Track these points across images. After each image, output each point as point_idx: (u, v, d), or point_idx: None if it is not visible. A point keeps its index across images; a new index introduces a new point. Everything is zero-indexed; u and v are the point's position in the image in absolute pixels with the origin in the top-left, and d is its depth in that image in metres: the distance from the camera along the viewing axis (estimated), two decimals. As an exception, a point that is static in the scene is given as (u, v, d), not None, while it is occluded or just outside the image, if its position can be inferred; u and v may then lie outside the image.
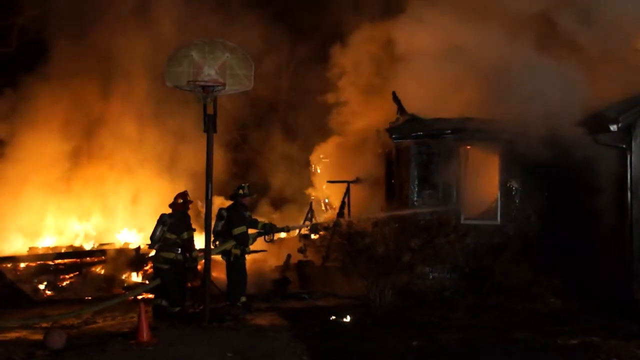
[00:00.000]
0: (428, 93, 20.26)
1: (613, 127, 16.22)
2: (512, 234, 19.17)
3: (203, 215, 16.36)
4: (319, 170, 28.40)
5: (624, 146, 16.56)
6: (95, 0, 26.86)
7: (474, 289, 18.04)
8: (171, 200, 16.87)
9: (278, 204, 30.13)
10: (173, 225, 16.19)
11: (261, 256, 21.34)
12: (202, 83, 15.31)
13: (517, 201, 19.39)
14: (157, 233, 16.32)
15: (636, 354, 11.71)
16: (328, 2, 28.80)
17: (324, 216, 26.91)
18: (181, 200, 16.53)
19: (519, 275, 17.54)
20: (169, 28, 25.76)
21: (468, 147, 19.59)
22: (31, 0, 27.51)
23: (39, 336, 13.26)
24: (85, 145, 25.99)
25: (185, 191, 16.56)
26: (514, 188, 19.38)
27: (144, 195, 26.15)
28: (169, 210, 16.60)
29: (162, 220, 16.48)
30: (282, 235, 23.18)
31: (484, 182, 19.60)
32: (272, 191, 30.28)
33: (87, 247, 23.55)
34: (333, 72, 26.67)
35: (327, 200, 27.62)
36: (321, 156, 27.86)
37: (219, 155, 22.92)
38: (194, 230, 16.46)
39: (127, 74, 25.72)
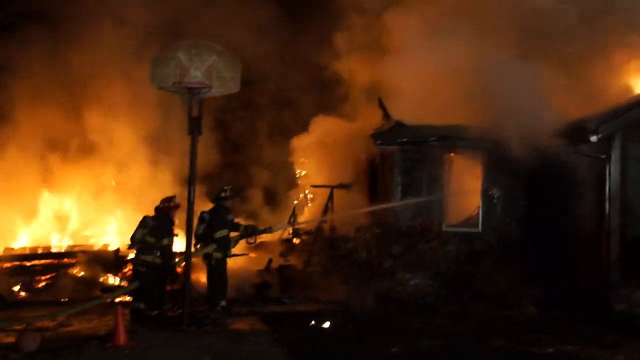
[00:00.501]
0: (414, 100, 20.36)
1: (593, 138, 16.33)
2: (493, 241, 19.21)
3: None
4: (303, 173, 28.46)
5: (604, 157, 16.70)
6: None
7: (455, 296, 18.09)
8: (157, 202, 16.89)
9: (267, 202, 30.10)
10: (154, 229, 16.12)
11: (242, 260, 21.30)
12: (188, 85, 15.28)
13: (499, 209, 19.40)
14: (137, 235, 16.25)
15: (609, 364, 11.78)
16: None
17: (306, 214, 26.92)
18: (166, 205, 16.50)
19: (499, 283, 17.53)
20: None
21: (452, 154, 19.63)
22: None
23: (11, 339, 13.24)
24: (63, 145, 25.88)
25: (173, 196, 16.46)
26: (495, 196, 19.39)
27: (125, 197, 26.15)
28: (153, 213, 16.61)
29: (145, 222, 16.42)
30: (264, 237, 23.15)
31: (466, 189, 19.64)
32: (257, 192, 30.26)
33: (65, 248, 23.48)
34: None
35: (310, 196, 27.65)
36: (303, 159, 27.87)
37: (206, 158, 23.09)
38: (176, 236, 16.40)
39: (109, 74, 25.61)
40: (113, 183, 26.40)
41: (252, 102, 32.50)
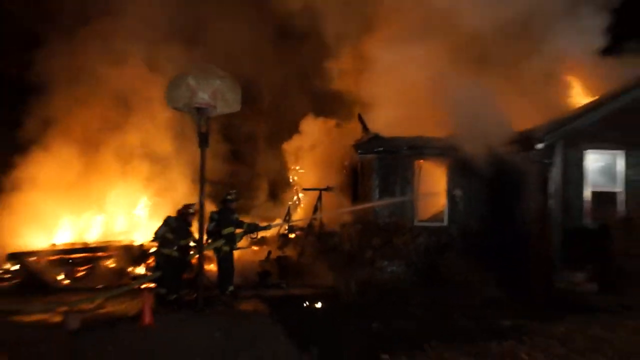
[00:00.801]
0: (388, 115, 20.64)
1: (539, 146, 16.61)
2: (456, 234, 19.31)
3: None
4: (295, 178, 28.65)
5: (548, 161, 16.90)
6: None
7: (425, 280, 18.08)
8: (180, 205, 17.20)
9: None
10: (175, 229, 16.44)
11: (246, 252, 21.50)
12: (197, 105, 15.47)
13: (461, 207, 19.44)
14: (160, 231, 16.57)
15: (553, 332, 11.86)
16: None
17: (299, 213, 27.07)
18: (186, 211, 16.79)
19: (461, 268, 17.55)
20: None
21: (421, 161, 19.68)
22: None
23: (58, 319, 13.48)
24: (100, 156, 25.85)
25: (192, 204, 16.55)
26: (458, 196, 19.40)
27: (149, 200, 26.29)
28: (175, 215, 16.93)
29: (168, 222, 16.72)
30: (264, 233, 23.30)
31: (433, 190, 19.65)
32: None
33: (99, 243, 23.52)
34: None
35: (300, 195, 27.82)
36: (297, 168, 28.09)
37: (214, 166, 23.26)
38: (191, 237, 16.71)
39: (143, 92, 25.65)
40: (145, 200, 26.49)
41: (252, 119, 32.52)
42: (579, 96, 19.94)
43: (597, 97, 18.46)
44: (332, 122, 26.76)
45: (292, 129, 29.59)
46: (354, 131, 21.95)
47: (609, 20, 20.06)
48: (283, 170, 29.95)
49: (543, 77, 19.55)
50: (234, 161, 31.27)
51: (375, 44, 21.68)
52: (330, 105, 27.08)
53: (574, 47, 19.79)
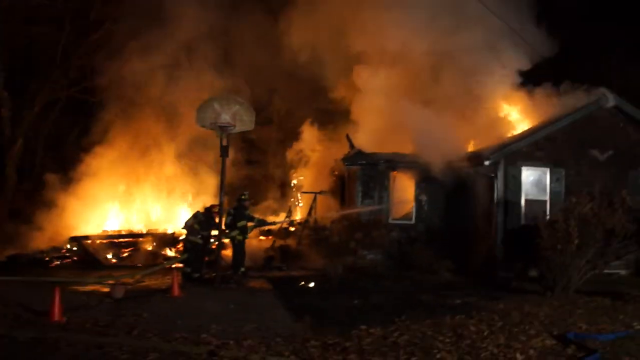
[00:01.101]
0: (369, 135, 20.77)
1: (487, 163, 16.72)
2: (422, 230, 19.42)
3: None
4: (295, 182, 28.69)
5: (493, 175, 17.01)
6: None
7: (397, 267, 18.21)
8: (206, 204, 17.63)
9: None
10: (201, 222, 16.54)
11: (256, 240, 21.56)
12: (220, 124, 15.61)
13: (426, 209, 19.60)
14: (189, 222, 16.72)
15: (494, 309, 11.96)
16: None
17: (298, 211, 27.13)
18: (211, 209, 16.90)
19: (425, 258, 17.73)
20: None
21: (395, 172, 19.77)
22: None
23: (106, 289, 13.54)
24: (142, 164, 25.85)
25: (217, 204, 16.19)
26: (424, 200, 19.59)
27: (180, 198, 26.36)
28: (202, 210, 17.08)
29: (196, 215, 16.88)
30: (271, 227, 23.35)
31: (404, 195, 19.83)
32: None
33: (140, 230, 23.58)
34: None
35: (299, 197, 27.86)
36: (301, 177, 28.13)
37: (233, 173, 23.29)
38: (214, 229, 16.74)
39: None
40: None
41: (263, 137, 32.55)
42: (519, 122, 20.11)
43: (529, 127, 18.67)
44: (326, 136, 26.69)
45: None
46: (343, 146, 21.98)
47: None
48: (287, 174, 29.93)
49: (489, 108, 19.68)
50: (249, 166, 31.19)
51: (359, 78, 21.76)
52: (328, 120, 27.06)
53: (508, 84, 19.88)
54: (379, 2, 20.67)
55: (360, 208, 19.24)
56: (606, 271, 14.62)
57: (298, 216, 25.82)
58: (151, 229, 23.55)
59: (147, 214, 25.56)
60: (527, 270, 15.81)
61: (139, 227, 24.20)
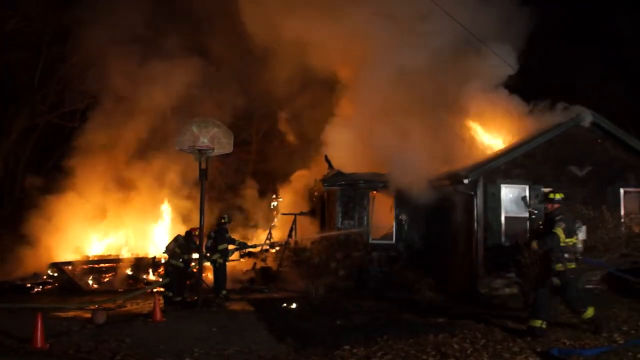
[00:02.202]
0: (348, 156, 20.79)
1: (465, 181, 16.70)
2: (402, 249, 19.32)
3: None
4: (275, 204, 28.63)
5: (472, 193, 16.98)
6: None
7: (378, 287, 18.05)
8: (186, 228, 17.65)
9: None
10: (182, 245, 16.45)
11: (236, 263, 21.46)
12: (199, 147, 15.59)
13: (406, 228, 19.52)
14: (170, 246, 16.62)
15: (477, 327, 11.90)
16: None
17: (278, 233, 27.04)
18: (192, 233, 16.83)
19: (406, 277, 17.63)
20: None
21: (374, 192, 19.76)
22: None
23: (88, 315, 13.41)
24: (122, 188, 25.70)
25: (197, 227, 16.34)
26: (403, 220, 19.50)
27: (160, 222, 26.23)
28: (183, 234, 16.98)
29: (177, 239, 16.78)
30: (251, 250, 23.28)
31: (384, 215, 19.78)
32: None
33: (120, 255, 23.45)
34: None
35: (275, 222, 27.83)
36: (280, 199, 28.13)
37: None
38: (195, 252, 16.67)
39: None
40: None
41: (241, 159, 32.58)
42: (497, 140, 20.24)
43: (506, 145, 18.79)
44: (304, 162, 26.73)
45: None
46: (322, 167, 21.99)
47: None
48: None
49: (467, 129, 19.79)
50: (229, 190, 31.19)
51: (338, 101, 21.86)
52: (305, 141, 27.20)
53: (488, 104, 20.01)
54: (342, 17, 20.71)
55: (340, 231, 19.17)
56: (587, 286, 14.65)
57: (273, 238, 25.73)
58: (132, 254, 23.43)
59: (127, 239, 25.41)
60: (509, 287, 15.87)
61: (120, 251, 24.05)
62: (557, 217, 10.83)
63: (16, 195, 28.68)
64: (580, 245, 11.04)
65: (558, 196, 11.16)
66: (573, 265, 10.71)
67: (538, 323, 10.77)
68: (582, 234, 11.16)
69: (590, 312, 10.81)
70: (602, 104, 22.66)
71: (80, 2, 25.22)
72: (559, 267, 10.61)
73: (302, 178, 25.26)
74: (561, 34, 30.14)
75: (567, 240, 10.63)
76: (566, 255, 10.58)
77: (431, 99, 19.12)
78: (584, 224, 13.37)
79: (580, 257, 10.97)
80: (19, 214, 24.38)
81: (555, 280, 10.68)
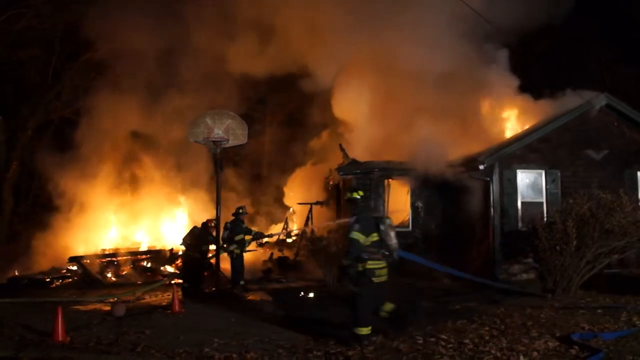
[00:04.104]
0: (364, 144, 20.75)
1: (481, 167, 16.71)
2: (419, 236, 19.35)
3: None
4: (291, 194, 28.64)
5: (488, 179, 17.01)
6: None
7: (396, 274, 18.04)
8: (202, 220, 17.57)
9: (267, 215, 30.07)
10: (199, 237, 16.53)
11: (253, 254, 21.50)
12: (213, 139, 15.67)
13: (422, 215, 19.50)
14: (187, 238, 16.73)
15: (495, 312, 11.87)
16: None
17: (295, 223, 27.03)
18: (208, 224, 16.90)
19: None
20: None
21: (389, 180, 19.77)
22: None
23: (108, 307, 13.45)
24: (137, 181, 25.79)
25: (213, 219, 16.66)
26: (419, 207, 19.50)
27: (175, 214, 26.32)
28: (199, 226, 17.05)
29: (193, 231, 16.89)
30: (268, 240, 23.37)
31: (400, 202, 19.78)
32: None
33: (139, 248, 23.59)
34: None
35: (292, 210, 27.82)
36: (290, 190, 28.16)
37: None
38: (211, 243, 16.73)
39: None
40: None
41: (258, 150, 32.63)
42: (512, 124, 20.12)
43: (521, 130, 18.68)
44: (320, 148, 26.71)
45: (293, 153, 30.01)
46: (337, 156, 21.97)
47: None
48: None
49: (483, 113, 19.67)
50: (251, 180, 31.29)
51: (353, 88, 21.77)
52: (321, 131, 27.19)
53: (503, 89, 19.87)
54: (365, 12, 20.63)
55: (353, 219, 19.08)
56: (606, 270, 14.54)
57: (294, 227, 25.78)
58: (150, 246, 23.54)
59: (145, 231, 25.55)
60: (526, 273, 15.79)
61: (138, 244, 24.17)
62: (353, 219, 10.21)
63: (33, 191, 28.91)
64: (392, 242, 10.06)
65: (355, 195, 10.58)
66: (376, 265, 10.02)
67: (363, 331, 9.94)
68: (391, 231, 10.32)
69: (387, 307, 10.22)
70: (617, 86, 22.45)
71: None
72: (360, 267, 9.93)
73: (317, 167, 25.24)
74: (574, 16, 29.77)
75: (368, 239, 9.97)
76: (364, 256, 9.87)
77: (446, 85, 18.99)
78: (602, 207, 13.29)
79: (387, 253, 10.03)
80: (36, 210, 24.53)
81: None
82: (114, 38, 24.43)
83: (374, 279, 9.96)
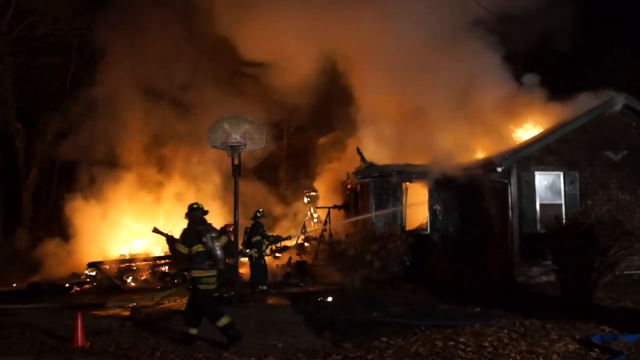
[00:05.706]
0: (382, 148, 20.79)
1: (499, 169, 16.72)
2: (437, 240, 19.27)
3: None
4: (309, 199, 28.65)
5: (506, 181, 17.01)
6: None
7: (414, 277, 17.99)
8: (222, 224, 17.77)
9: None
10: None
11: (271, 258, 21.56)
12: (231, 144, 15.73)
13: (440, 218, 19.44)
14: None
15: (515, 315, 11.86)
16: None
17: (314, 227, 27.03)
18: (227, 228, 16.97)
19: (442, 267, 17.57)
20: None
21: (407, 183, 19.75)
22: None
23: (127, 313, 13.58)
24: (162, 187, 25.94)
25: (230, 224, 16.83)
26: (437, 210, 19.43)
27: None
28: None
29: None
30: (287, 244, 23.39)
31: (418, 206, 19.80)
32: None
33: (156, 254, 23.66)
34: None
35: (316, 215, 27.79)
36: (313, 192, 28.12)
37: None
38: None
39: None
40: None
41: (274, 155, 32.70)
42: (530, 126, 20.05)
43: (539, 132, 18.62)
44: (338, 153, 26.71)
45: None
46: (354, 160, 21.97)
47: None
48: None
49: (501, 117, 19.61)
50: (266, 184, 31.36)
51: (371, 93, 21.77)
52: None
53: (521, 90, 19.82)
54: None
55: (374, 213, 19.28)
56: (626, 272, 14.48)
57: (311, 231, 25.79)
58: (168, 251, 23.59)
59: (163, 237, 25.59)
60: (546, 275, 15.74)
61: (156, 250, 24.26)
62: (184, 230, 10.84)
63: (52, 197, 29.17)
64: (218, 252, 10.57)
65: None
66: (207, 273, 10.55)
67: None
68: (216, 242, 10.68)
69: (224, 320, 10.39)
70: (635, 86, 22.31)
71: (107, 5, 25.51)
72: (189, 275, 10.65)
73: (335, 171, 25.22)
74: (591, 15, 29.60)
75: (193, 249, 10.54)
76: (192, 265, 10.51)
77: (462, 86, 18.98)
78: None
79: (211, 263, 10.53)
80: (55, 216, 24.70)
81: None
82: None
83: (200, 286, 10.48)
